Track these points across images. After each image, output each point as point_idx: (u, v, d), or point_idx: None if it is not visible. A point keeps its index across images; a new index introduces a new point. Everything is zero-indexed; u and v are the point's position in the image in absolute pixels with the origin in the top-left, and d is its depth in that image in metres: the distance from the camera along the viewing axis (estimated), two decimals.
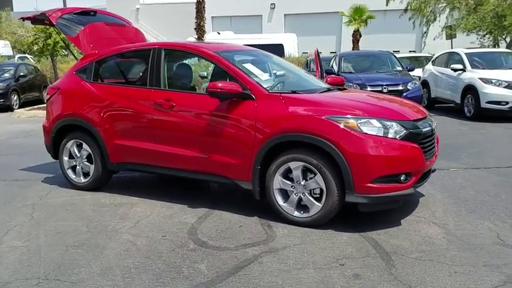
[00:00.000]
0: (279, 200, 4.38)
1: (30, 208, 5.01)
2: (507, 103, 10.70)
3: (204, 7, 20.40)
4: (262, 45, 20.76)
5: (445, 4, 21.67)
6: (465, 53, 12.45)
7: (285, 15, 34.40)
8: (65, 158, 5.69)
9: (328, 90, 5.02)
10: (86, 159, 5.57)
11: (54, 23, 5.71)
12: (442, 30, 22.51)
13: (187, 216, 4.65)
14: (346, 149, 3.98)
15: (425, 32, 22.92)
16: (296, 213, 4.32)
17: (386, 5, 22.73)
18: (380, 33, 29.06)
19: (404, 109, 4.46)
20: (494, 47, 19.74)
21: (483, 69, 11.79)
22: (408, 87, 10.64)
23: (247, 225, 4.37)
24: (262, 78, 4.77)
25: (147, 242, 4.01)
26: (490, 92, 10.89)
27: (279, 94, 4.45)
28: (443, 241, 3.97)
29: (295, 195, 4.29)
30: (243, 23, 32.72)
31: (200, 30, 20.44)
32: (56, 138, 5.73)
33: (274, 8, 34.54)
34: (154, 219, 4.59)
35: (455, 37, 21.66)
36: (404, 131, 4.11)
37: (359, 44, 22.45)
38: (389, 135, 4.06)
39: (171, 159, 4.92)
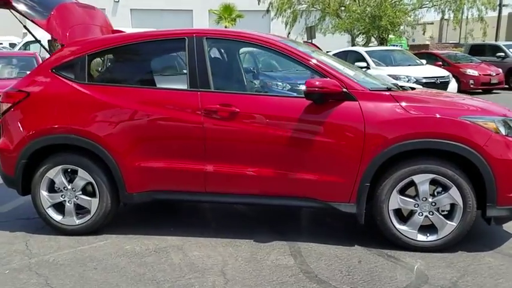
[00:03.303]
0: (396, 222, 3.58)
1: (31, 275, 3.34)
2: None
3: None
4: None
5: (305, 6, 22.49)
6: (365, 51, 12.87)
7: (131, 10, 32.25)
8: (44, 193, 4.00)
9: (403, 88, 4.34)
10: (81, 192, 3.97)
11: (12, 3, 3.96)
12: (303, 31, 23.34)
13: (273, 255, 3.59)
14: (492, 155, 3.40)
15: (289, 33, 23.52)
16: (420, 237, 3.59)
17: (258, 4, 22.73)
18: None
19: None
20: (353, 44, 21.11)
21: (386, 66, 12.30)
22: None
23: (367, 260, 3.50)
24: (350, 73, 3.89)
25: None
26: None
27: (386, 92, 3.65)
28: None
29: (419, 215, 3.55)
30: None
31: None
32: (27, 165, 3.98)
33: (118, 1, 32.12)
34: (238, 266, 3.41)
35: (315, 37, 22.65)
36: None
37: None
38: None
39: (235, 181, 3.75)
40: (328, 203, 3.65)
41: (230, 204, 4.41)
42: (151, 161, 3.80)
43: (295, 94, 3.89)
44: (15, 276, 3.32)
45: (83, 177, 3.93)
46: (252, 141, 3.67)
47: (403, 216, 3.65)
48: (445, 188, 3.50)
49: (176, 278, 3.23)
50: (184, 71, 3.91)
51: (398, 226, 3.59)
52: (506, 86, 17.44)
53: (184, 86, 3.82)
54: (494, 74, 16.81)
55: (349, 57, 13.27)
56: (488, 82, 16.63)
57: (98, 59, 4.06)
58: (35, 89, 3.98)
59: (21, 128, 3.98)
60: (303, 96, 3.61)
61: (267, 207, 4.48)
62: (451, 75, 11.87)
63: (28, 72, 4.28)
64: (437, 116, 3.47)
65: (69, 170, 3.97)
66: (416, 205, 3.55)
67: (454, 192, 3.47)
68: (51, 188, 4.02)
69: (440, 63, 17.39)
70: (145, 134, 3.79)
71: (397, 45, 34.14)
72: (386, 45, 21.43)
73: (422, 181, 3.49)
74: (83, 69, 3.94)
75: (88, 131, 3.83)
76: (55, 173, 3.95)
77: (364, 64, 12.37)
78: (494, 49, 18.99)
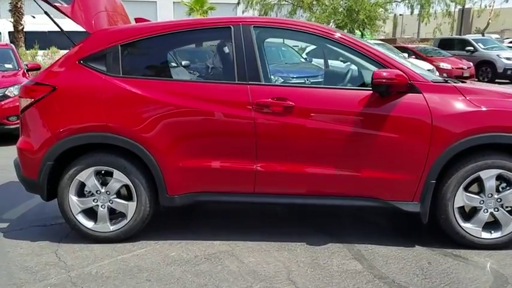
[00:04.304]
0: (460, 221, 3.43)
1: None
2: None
3: None
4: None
5: None
6: None
7: None
8: (74, 198, 3.62)
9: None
10: (115, 195, 3.62)
11: None
12: None
13: (335, 259, 3.37)
14: None
15: None
16: (484, 235, 3.46)
17: None
18: None
19: None
20: None
21: None
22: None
23: (436, 261, 3.35)
24: (408, 64, 3.70)
25: None
26: None
27: (449, 84, 3.50)
28: None
29: (484, 212, 3.42)
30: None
31: (17, 12, 16.94)
32: (54, 167, 3.58)
33: None
34: (304, 272, 3.18)
35: None
36: None
37: None
38: None
39: (289, 181, 3.50)
40: (391, 202, 3.46)
41: (281, 205, 4.15)
42: (196, 160, 3.50)
43: (354, 86, 3.65)
44: None
45: (119, 179, 3.57)
46: (308, 138, 3.43)
47: (465, 214, 3.50)
48: (510, 183, 3.38)
49: None
50: (229, 63, 3.60)
51: (463, 224, 3.44)
52: (476, 80, 17.86)
53: (231, 79, 3.51)
54: (466, 68, 17.16)
55: None
56: (460, 75, 16.90)
57: (132, 50, 3.67)
58: (62, 83, 3.58)
59: (46, 126, 3.58)
60: (362, 88, 3.44)
61: (313, 208, 4.24)
62: (435, 69, 11.94)
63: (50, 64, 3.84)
64: (504, 109, 3.35)
65: (102, 172, 3.60)
66: (482, 202, 3.41)
67: None
68: (81, 191, 3.64)
69: (414, 56, 17.62)
70: (188, 131, 3.48)
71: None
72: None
73: (489, 177, 3.36)
74: (116, 60, 3.57)
75: (126, 129, 3.47)
76: (87, 176, 3.57)
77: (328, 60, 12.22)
78: (463, 43, 19.38)
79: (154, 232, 3.80)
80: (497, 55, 17.97)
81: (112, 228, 3.64)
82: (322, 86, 3.70)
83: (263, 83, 3.48)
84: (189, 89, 3.53)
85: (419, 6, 21.68)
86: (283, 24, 3.71)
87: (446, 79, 3.73)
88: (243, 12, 23.63)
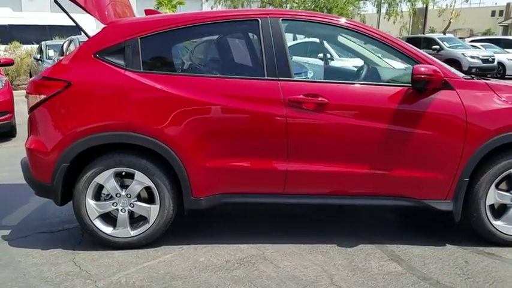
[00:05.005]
0: (491, 218, 3.43)
1: None
2: None
3: None
4: (56, 26, 17.22)
5: None
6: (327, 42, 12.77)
7: None
8: (91, 202, 3.37)
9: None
10: (136, 199, 3.41)
11: None
12: None
13: (373, 261, 3.28)
14: None
15: None
16: None
17: None
18: None
19: None
20: None
21: (349, 57, 12.28)
22: (308, 76, 10.25)
23: (472, 260, 3.32)
24: (437, 60, 3.64)
25: None
26: None
27: (481, 81, 3.48)
28: None
29: None
30: None
31: None
32: (69, 169, 3.33)
33: None
34: (346, 276, 3.08)
35: None
36: None
37: None
38: None
39: (321, 181, 3.39)
40: (424, 201, 3.40)
41: (310, 206, 4.03)
42: (224, 160, 3.33)
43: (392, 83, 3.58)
44: None
45: (141, 181, 3.35)
46: (342, 136, 3.33)
47: (495, 211, 3.50)
48: None
49: None
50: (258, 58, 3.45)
51: (494, 222, 3.43)
52: None
53: (260, 75, 3.36)
54: None
55: (310, 48, 13.12)
56: None
57: (153, 43, 3.44)
58: (78, 78, 3.32)
59: (61, 125, 3.31)
60: (397, 84, 3.39)
61: (332, 207, 4.15)
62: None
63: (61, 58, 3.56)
64: None
65: (122, 174, 3.38)
66: None
67: None
68: (98, 195, 3.41)
69: None
70: (215, 129, 3.30)
71: None
72: None
73: None
74: (136, 55, 3.34)
75: (150, 128, 3.26)
76: (106, 178, 3.34)
77: (327, 55, 12.25)
78: (429, 42, 19.85)
79: (174, 236, 3.60)
80: (462, 54, 18.47)
81: (133, 233, 3.42)
82: (355, 82, 3.57)
83: (294, 79, 3.34)
84: (215, 85, 3.34)
85: (386, 5, 22.02)
86: (314, 18, 3.55)
87: (473, 76, 3.70)
88: (211, 8, 23.37)
